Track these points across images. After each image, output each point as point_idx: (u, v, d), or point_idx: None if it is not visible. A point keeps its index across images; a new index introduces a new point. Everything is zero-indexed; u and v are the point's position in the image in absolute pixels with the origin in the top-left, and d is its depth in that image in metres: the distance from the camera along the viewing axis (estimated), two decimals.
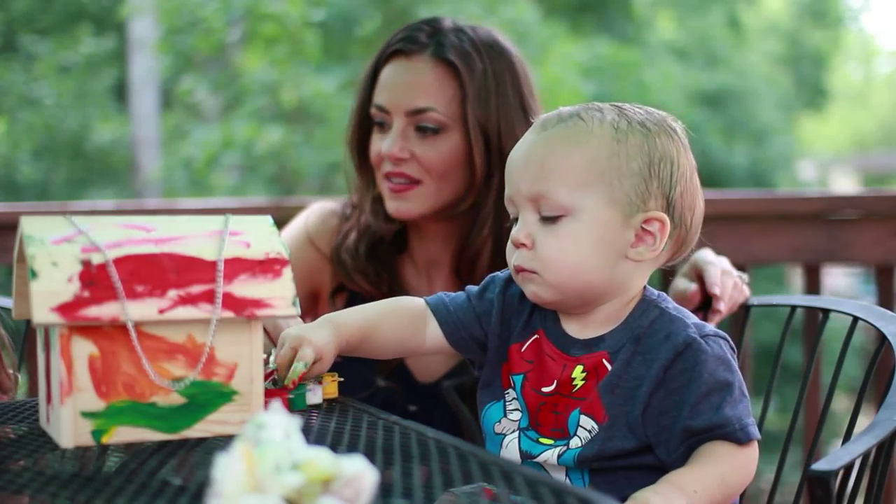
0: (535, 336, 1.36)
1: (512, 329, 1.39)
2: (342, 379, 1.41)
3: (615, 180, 1.29)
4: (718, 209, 2.64)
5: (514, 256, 1.33)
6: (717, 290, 1.72)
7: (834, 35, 16.42)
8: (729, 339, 1.32)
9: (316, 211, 2.04)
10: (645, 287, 1.36)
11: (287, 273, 1.24)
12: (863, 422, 1.44)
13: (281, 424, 0.88)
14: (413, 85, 1.85)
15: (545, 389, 1.33)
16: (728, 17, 12.68)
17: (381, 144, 1.88)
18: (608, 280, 1.31)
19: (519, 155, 1.34)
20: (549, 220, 1.30)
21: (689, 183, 1.34)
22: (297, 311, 1.23)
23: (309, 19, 7.31)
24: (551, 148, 1.31)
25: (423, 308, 1.43)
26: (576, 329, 1.34)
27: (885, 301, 2.50)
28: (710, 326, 1.32)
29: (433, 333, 1.43)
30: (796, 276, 6.57)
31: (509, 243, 1.34)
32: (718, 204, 2.72)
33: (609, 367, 1.30)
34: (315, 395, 1.37)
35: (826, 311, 1.68)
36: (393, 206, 1.88)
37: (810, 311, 2.29)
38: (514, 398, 1.36)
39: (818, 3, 15.89)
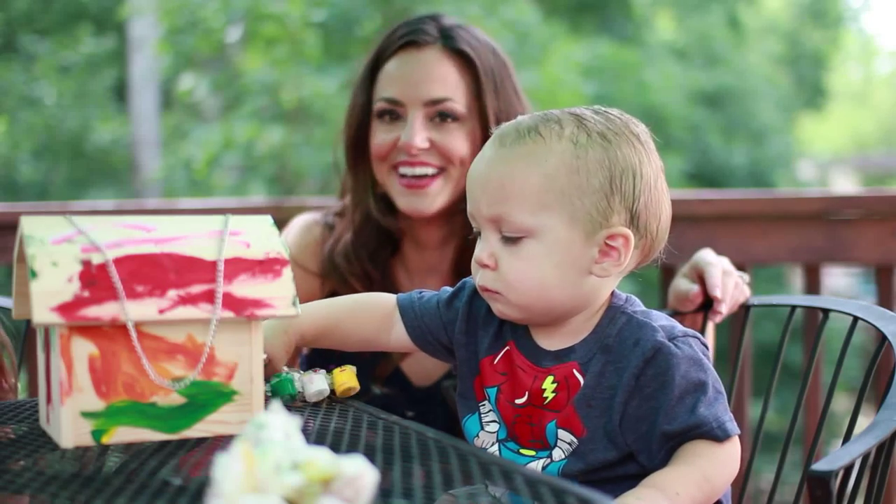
0: (507, 348, 1.36)
1: (480, 341, 1.38)
2: (355, 367, 1.42)
3: (576, 199, 1.27)
4: (718, 209, 2.65)
5: (478, 276, 1.33)
6: (718, 293, 1.72)
7: (834, 35, 16.42)
8: (700, 337, 1.31)
9: (295, 227, 2.01)
10: (613, 292, 1.35)
11: (287, 273, 1.24)
12: (863, 422, 1.44)
13: (281, 424, 0.88)
14: (430, 75, 1.84)
15: (518, 401, 1.33)
16: (728, 17, 12.68)
17: (386, 136, 1.86)
18: (573, 297, 1.30)
19: (477, 173, 1.32)
20: (510, 240, 1.29)
21: (654, 191, 1.31)
22: (297, 311, 1.23)
23: (309, 20, 7.30)
24: (509, 169, 1.28)
25: (392, 307, 1.44)
26: (546, 340, 1.34)
27: (885, 301, 2.50)
28: (680, 327, 1.31)
29: (399, 333, 1.44)
30: (796, 276, 6.57)
31: (473, 262, 1.33)
32: (718, 204, 2.73)
33: (581, 379, 1.30)
34: (313, 383, 1.37)
35: (826, 311, 1.68)
36: (406, 202, 1.86)
37: (810, 311, 2.29)
38: (489, 410, 1.37)
39: (818, 3, 15.89)
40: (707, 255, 1.79)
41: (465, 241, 1.89)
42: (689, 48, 12.05)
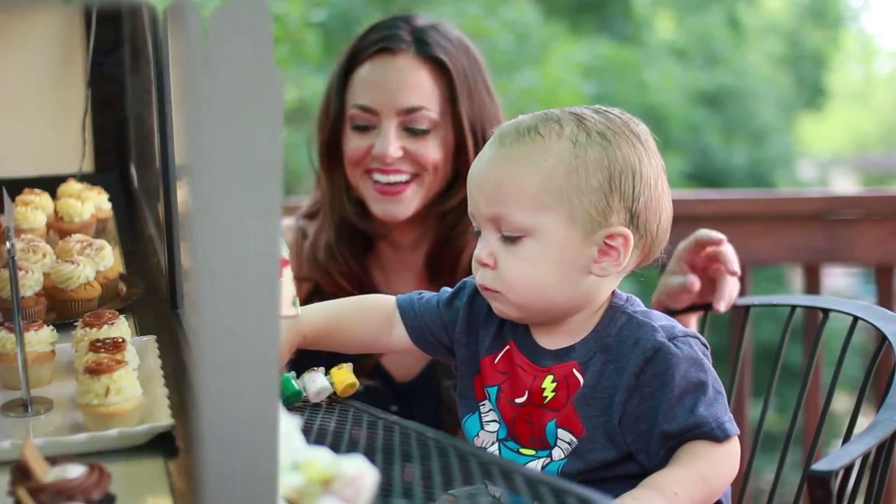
0: (507, 347, 1.36)
1: (480, 340, 1.38)
2: (351, 364, 1.42)
3: (574, 199, 1.26)
4: (718, 209, 2.65)
5: (478, 275, 1.33)
6: (735, 267, 1.71)
7: (834, 35, 16.40)
8: (700, 337, 1.30)
9: None
10: (613, 292, 1.34)
11: (287, 273, 1.24)
12: (863, 422, 1.44)
13: (281, 424, 0.87)
14: (403, 83, 1.84)
15: (518, 400, 1.33)
16: (728, 17, 12.67)
17: (360, 143, 1.87)
18: (573, 297, 1.30)
19: (477, 173, 1.32)
20: (510, 239, 1.29)
21: (654, 190, 1.30)
22: (297, 311, 1.24)
23: (309, 20, 7.30)
24: (508, 168, 1.28)
25: (392, 308, 1.44)
26: (546, 339, 1.34)
27: (885, 301, 2.50)
28: (680, 326, 1.30)
29: (400, 334, 1.44)
30: (796, 276, 6.56)
31: (473, 261, 1.33)
32: (718, 204, 2.73)
33: (580, 378, 1.30)
34: (315, 382, 1.38)
35: (826, 311, 1.68)
36: (381, 208, 1.87)
37: (810, 311, 2.29)
38: (489, 410, 1.37)
39: (818, 3, 15.88)
40: (701, 232, 1.76)
41: (437, 241, 1.92)
42: (688, 48, 12.04)
